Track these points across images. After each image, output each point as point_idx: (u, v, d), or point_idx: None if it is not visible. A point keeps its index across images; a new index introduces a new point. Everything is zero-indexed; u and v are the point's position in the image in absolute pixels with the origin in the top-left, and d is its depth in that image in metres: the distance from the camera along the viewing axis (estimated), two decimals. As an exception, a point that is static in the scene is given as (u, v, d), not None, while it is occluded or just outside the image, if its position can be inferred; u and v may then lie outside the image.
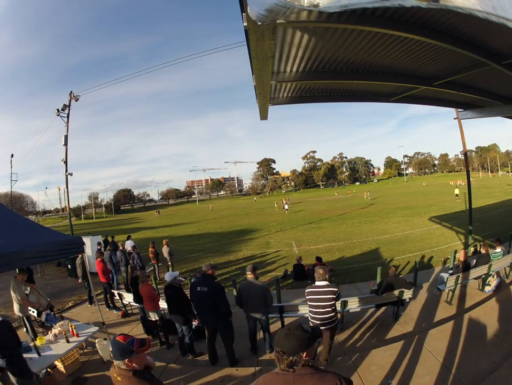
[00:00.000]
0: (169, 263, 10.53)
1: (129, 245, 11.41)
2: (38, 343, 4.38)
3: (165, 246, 10.51)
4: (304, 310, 5.43)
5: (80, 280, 8.14)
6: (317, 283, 4.09)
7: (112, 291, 7.52)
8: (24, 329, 6.19)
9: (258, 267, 5.19)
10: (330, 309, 3.97)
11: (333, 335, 4.21)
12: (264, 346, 4.99)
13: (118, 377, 2.09)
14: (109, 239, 14.36)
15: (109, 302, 7.60)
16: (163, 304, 5.81)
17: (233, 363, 4.62)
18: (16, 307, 5.52)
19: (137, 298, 5.90)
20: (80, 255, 7.65)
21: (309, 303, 4.11)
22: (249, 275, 4.71)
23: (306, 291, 4.16)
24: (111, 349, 2.12)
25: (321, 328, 3.93)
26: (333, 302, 3.99)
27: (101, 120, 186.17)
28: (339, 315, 5.66)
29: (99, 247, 10.56)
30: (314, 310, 4.03)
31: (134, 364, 2.10)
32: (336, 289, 4.01)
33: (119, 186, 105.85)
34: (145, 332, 5.97)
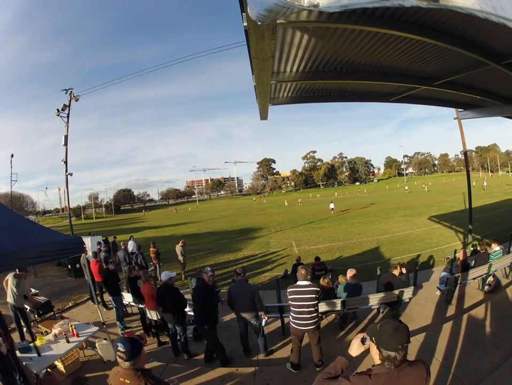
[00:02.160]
0: (182, 262, 10.30)
1: (130, 245, 11.42)
2: (38, 343, 4.38)
3: (180, 244, 10.32)
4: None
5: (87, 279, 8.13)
6: (299, 283, 4.03)
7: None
8: (24, 329, 6.18)
9: (249, 268, 5.31)
10: (313, 309, 3.96)
11: (318, 336, 4.17)
12: (259, 348, 4.90)
13: (126, 380, 2.05)
14: (110, 239, 14.38)
15: (105, 301, 7.59)
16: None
17: (224, 363, 4.63)
18: (11, 299, 5.44)
19: (137, 298, 5.89)
20: (83, 255, 7.63)
21: (291, 303, 4.01)
22: (239, 276, 4.72)
23: (288, 290, 4.06)
24: (123, 350, 2.01)
25: (304, 328, 3.96)
26: (316, 302, 3.97)
27: (109, 122, 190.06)
28: (333, 315, 5.73)
29: (98, 247, 10.57)
30: (298, 310, 3.96)
31: (142, 362, 2.11)
32: (318, 289, 4.02)
33: (124, 186, 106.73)
34: (144, 332, 5.97)
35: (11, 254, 4.29)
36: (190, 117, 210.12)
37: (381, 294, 5.51)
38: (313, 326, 4.01)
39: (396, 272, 5.88)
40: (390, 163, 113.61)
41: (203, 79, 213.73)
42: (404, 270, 6.15)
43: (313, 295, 3.93)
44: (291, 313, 4.08)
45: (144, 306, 5.70)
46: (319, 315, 4.11)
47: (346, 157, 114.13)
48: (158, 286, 5.76)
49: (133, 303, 6.34)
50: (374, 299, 5.51)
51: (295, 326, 4.05)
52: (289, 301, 4.03)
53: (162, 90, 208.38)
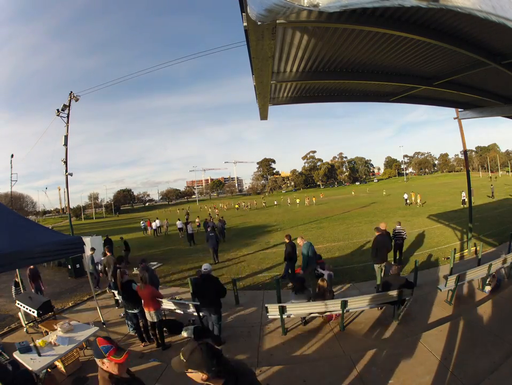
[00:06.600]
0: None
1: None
2: (40, 343, 4.37)
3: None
4: (302, 310, 5.45)
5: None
6: None
7: (113, 291, 7.49)
8: (24, 329, 6.21)
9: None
10: None
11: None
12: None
13: (99, 376, 2.12)
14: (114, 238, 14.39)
15: None
16: (168, 305, 6.01)
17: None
18: None
19: (130, 303, 5.52)
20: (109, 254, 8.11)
21: None
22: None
23: None
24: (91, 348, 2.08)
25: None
26: None
27: (117, 125, 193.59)
28: (334, 315, 5.76)
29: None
30: None
31: (107, 367, 2.07)
32: None
33: (135, 186, 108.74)
34: (139, 339, 5.63)
35: (12, 254, 4.30)
36: (202, 121, 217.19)
37: (380, 294, 5.51)
38: None
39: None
40: (390, 163, 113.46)
41: (218, 90, 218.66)
42: None
43: None
44: None
45: (138, 311, 5.45)
46: None
47: (346, 157, 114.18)
48: (195, 278, 6.38)
49: (128, 310, 5.68)
50: (373, 299, 5.52)
51: None
52: None
53: (175, 99, 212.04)
